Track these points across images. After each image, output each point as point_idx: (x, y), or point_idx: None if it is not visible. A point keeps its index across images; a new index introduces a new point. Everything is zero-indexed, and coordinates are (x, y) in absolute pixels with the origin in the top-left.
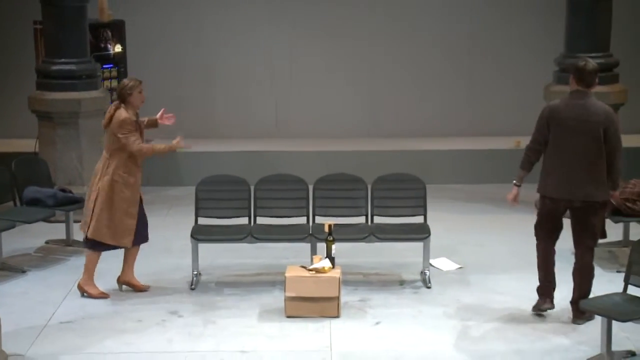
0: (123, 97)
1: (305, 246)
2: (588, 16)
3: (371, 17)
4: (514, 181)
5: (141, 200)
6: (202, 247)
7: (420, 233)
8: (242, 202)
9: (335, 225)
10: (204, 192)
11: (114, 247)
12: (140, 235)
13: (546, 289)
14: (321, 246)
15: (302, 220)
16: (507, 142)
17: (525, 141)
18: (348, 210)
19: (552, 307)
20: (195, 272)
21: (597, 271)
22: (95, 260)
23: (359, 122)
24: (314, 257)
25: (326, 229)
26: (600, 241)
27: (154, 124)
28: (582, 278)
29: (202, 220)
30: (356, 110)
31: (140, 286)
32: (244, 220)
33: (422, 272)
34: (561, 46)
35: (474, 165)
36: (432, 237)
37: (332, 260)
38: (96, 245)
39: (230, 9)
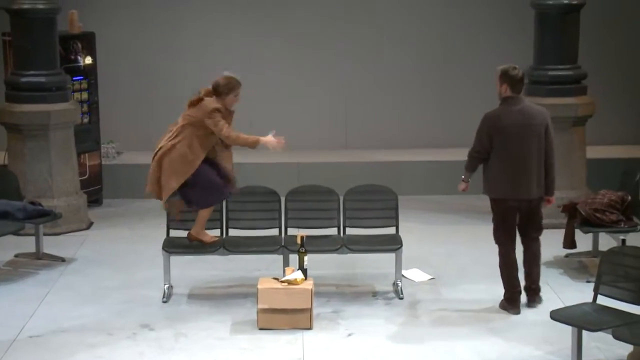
0: (218, 93)
1: (278, 258)
2: (556, 28)
3: (343, 28)
4: (463, 177)
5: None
6: (174, 259)
7: (392, 244)
8: (214, 213)
9: (308, 236)
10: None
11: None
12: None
13: (513, 295)
14: (293, 258)
15: (274, 232)
16: None
17: None
18: (320, 222)
19: (519, 312)
20: (167, 285)
21: (567, 281)
22: (205, 211)
23: (332, 134)
24: (286, 268)
25: (298, 240)
26: (570, 251)
27: (249, 144)
28: (533, 265)
29: (174, 233)
30: (328, 121)
31: (209, 239)
32: (216, 232)
33: (394, 283)
34: (529, 61)
35: (445, 177)
36: (404, 248)
37: (304, 272)
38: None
39: (203, 20)
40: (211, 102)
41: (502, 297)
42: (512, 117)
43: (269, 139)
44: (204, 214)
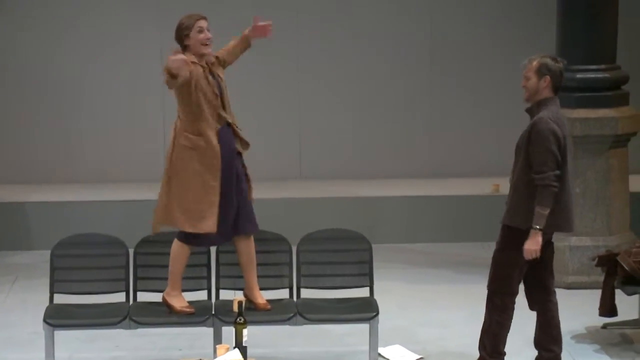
0: (181, 41)
1: (207, 331)
2: (587, 19)
3: (298, 38)
4: (538, 226)
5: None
6: (60, 335)
7: (365, 311)
8: (118, 271)
9: (248, 301)
10: (62, 258)
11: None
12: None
13: None
14: (228, 331)
15: (201, 295)
16: (483, 187)
17: (506, 183)
18: (265, 281)
19: None
20: None
21: None
22: (180, 258)
23: (284, 160)
24: (217, 346)
25: (235, 307)
26: (609, 320)
27: (243, 43)
28: (555, 329)
29: (60, 298)
30: (277, 144)
31: (262, 304)
32: (119, 297)
33: None
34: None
35: (436, 218)
36: (381, 316)
37: (243, 350)
38: (182, 235)
39: (103, 16)
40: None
41: None
42: (565, 126)
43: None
44: (175, 265)
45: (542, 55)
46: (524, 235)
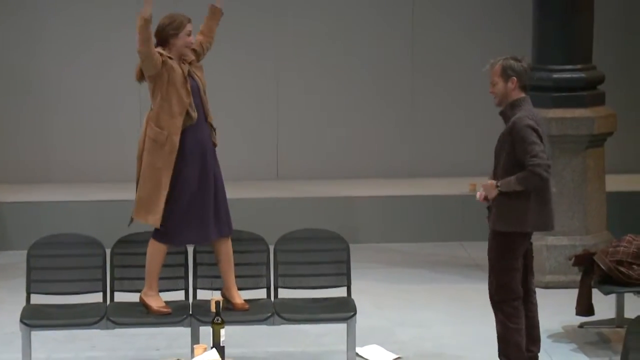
0: (163, 39)
1: (184, 331)
2: (563, 19)
3: (276, 36)
4: (499, 184)
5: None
6: (37, 335)
7: (343, 311)
8: (94, 271)
9: (225, 301)
10: (39, 258)
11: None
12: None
13: None
14: (206, 331)
15: (179, 295)
16: (459, 186)
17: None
18: (243, 281)
19: None
20: None
21: None
22: (156, 257)
23: (262, 161)
24: (195, 346)
25: (213, 307)
26: (586, 319)
27: (214, 15)
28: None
29: (37, 298)
30: (253, 143)
31: (239, 304)
32: (96, 297)
33: None
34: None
35: (414, 217)
36: (358, 316)
37: (220, 350)
38: (156, 234)
39: (82, 15)
40: None
41: None
42: (543, 125)
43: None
44: (152, 265)
45: (504, 57)
46: (512, 236)
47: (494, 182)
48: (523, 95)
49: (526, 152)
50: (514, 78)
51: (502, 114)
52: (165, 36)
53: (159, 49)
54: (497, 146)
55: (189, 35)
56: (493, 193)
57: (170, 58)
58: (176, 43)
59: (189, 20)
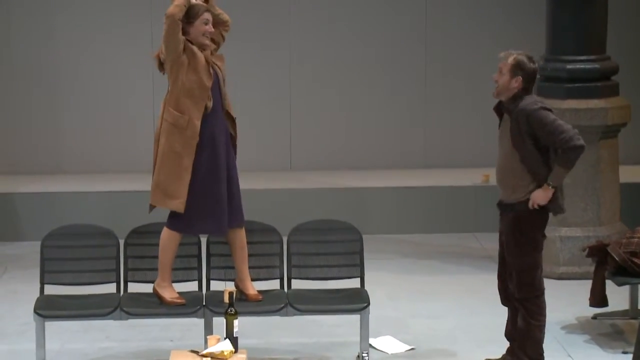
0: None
1: (197, 322)
2: (577, 9)
3: (290, 29)
4: (551, 182)
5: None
6: (51, 326)
7: (356, 302)
8: (108, 262)
9: (239, 292)
10: (52, 249)
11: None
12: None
13: None
14: (219, 322)
15: (192, 286)
16: (472, 177)
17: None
18: (256, 272)
19: None
20: None
21: (596, 352)
22: (169, 247)
23: (275, 152)
24: (208, 337)
25: (226, 298)
26: (599, 310)
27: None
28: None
29: (51, 289)
30: (267, 136)
31: (253, 295)
32: (110, 288)
33: (359, 355)
34: (540, 51)
35: (427, 208)
36: (371, 307)
37: (234, 341)
38: (170, 223)
39: (93, 6)
40: None
41: None
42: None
43: None
44: (165, 255)
45: (519, 52)
46: (530, 221)
47: (545, 186)
48: (525, 93)
49: (551, 132)
50: (520, 78)
51: (497, 108)
52: (181, 24)
53: None
54: (500, 134)
55: (206, 24)
56: (550, 193)
57: (191, 43)
58: (193, 32)
59: (207, 10)
